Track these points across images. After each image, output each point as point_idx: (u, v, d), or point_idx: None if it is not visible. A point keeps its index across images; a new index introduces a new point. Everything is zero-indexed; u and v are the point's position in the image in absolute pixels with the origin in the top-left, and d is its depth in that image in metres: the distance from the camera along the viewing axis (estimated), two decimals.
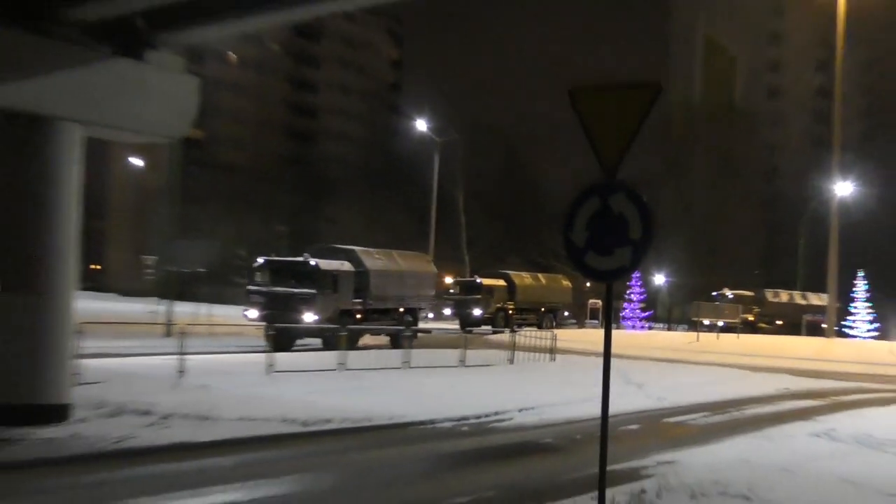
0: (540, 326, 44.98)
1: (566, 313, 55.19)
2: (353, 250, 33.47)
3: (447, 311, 52.10)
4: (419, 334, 32.96)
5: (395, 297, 34.55)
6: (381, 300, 33.46)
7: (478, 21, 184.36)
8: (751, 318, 56.47)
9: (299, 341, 29.57)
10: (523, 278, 52.64)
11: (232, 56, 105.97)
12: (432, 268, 38.97)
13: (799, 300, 61.37)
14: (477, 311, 48.37)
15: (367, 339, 31.68)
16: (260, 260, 33.24)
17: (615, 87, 8.34)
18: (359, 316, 31.60)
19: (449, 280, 56.42)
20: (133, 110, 13.91)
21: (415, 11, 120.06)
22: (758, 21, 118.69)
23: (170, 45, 14.13)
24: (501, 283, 50.45)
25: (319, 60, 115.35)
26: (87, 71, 13.25)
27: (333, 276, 30.57)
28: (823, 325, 58.33)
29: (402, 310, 34.77)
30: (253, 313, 30.64)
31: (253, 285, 32.01)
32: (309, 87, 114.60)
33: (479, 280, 50.50)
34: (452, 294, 51.34)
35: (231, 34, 15.08)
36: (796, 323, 57.43)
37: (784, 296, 60.70)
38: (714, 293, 61.39)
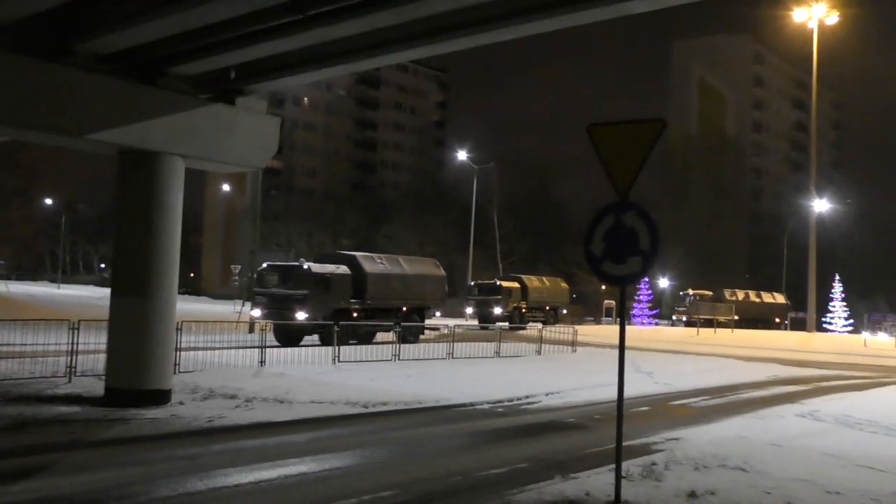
0: (545, 322, 43.41)
1: (564, 311, 52.89)
2: (353, 256, 31.90)
3: (469, 310, 50.76)
4: (427, 330, 32.06)
5: (397, 298, 32.13)
6: (382, 300, 31.25)
7: (511, 69, 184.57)
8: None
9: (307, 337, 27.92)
10: (532, 281, 51.41)
11: (305, 101, 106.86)
12: (440, 271, 36.05)
13: (754, 298, 59.42)
14: (498, 310, 46.94)
15: (384, 336, 29.47)
16: (263, 265, 31.46)
17: (625, 123, 8.31)
18: (355, 315, 29.59)
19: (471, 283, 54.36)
20: (225, 145, 14.05)
21: (458, 61, 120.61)
22: (744, 67, 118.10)
23: (255, 91, 14.26)
24: (516, 285, 49.40)
25: (378, 103, 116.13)
26: (187, 114, 13.42)
27: (326, 278, 28.87)
28: (783, 322, 57.41)
29: (405, 309, 32.20)
30: (257, 312, 29.30)
31: (258, 287, 30.60)
32: (369, 125, 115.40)
33: (498, 283, 49.46)
34: (474, 295, 49.94)
35: (304, 82, 15.21)
36: (750, 318, 55.58)
37: (740, 294, 58.62)
38: (681, 293, 60.12)
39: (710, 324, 49.87)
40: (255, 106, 14.42)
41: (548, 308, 50.75)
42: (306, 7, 10.15)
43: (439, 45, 11.44)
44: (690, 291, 58.50)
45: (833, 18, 49.20)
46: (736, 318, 53.23)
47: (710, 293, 57.19)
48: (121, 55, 12.29)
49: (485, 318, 46.81)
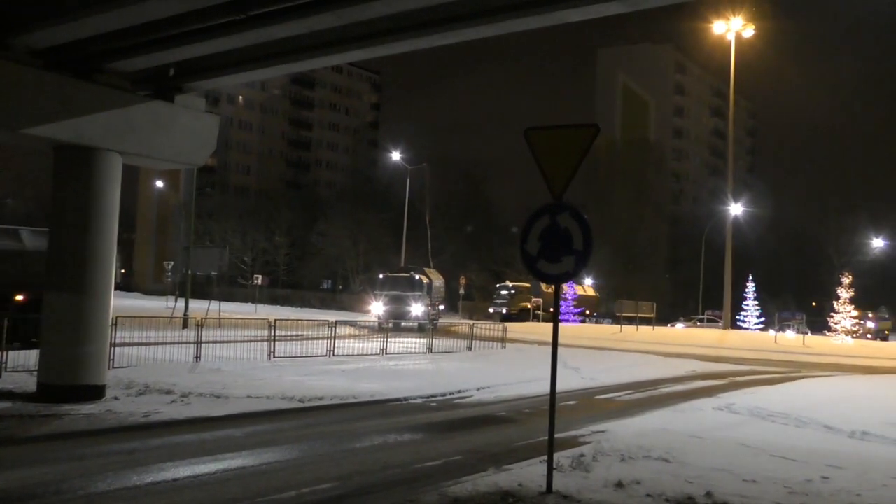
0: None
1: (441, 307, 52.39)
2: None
3: (378, 309, 43.75)
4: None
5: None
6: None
7: (442, 72, 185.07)
8: (529, 306, 54.21)
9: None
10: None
11: (241, 99, 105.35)
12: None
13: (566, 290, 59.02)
14: (416, 307, 40.85)
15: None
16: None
17: (562, 127, 8.40)
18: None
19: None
20: (164, 142, 13.79)
21: (391, 64, 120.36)
22: (665, 75, 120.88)
23: (195, 89, 14.04)
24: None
25: (313, 103, 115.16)
26: (125, 110, 13.13)
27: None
28: (592, 314, 58.09)
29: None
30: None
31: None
32: (304, 124, 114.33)
33: (416, 275, 44.16)
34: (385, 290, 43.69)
35: (244, 81, 15.02)
36: (566, 311, 55.95)
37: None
38: (497, 284, 60.30)
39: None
40: (195, 104, 14.20)
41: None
42: (248, 7, 10.02)
43: (379, 47, 11.43)
44: (508, 283, 58.36)
45: (749, 31, 50.73)
46: (552, 310, 52.69)
47: (528, 286, 56.03)
48: (58, 50, 11.95)
49: (398, 318, 38.84)
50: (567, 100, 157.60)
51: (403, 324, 38.26)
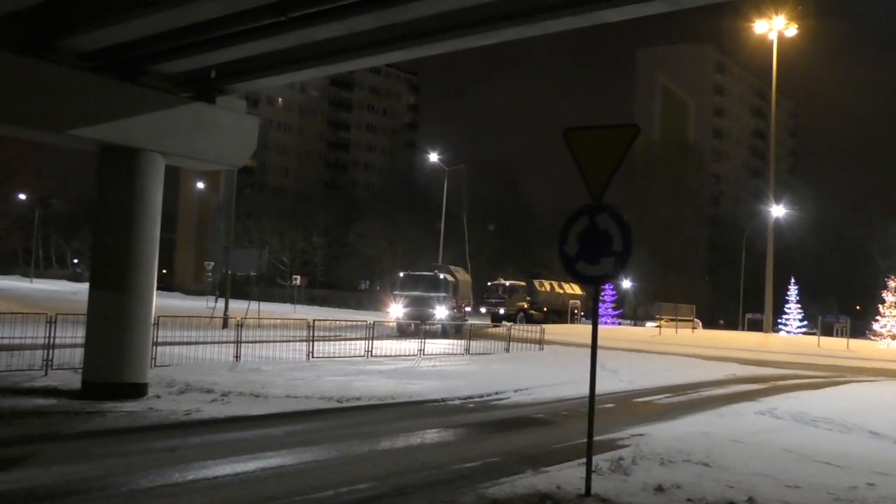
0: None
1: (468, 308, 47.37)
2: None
3: (398, 311, 39.81)
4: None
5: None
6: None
7: (480, 73, 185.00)
8: (525, 305, 49.91)
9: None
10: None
11: (280, 101, 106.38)
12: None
13: (558, 289, 55.01)
14: (440, 310, 37.17)
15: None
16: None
17: (601, 128, 8.34)
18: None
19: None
20: (205, 143, 13.94)
21: (429, 65, 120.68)
22: (705, 76, 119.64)
23: (236, 90, 14.19)
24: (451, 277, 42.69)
25: (351, 104, 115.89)
26: (168, 111, 13.30)
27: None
28: (580, 313, 55.39)
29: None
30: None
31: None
32: (342, 126, 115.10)
33: (441, 274, 40.14)
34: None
35: (284, 83, 15.15)
36: (555, 310, 52.31)
37: (547, 285, 54.57)
38: (489, 283, 53.09)
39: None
40: (236, 105, 14.34)
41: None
42: (289, 9, 10.09)
43: (418, 48, 11.45)
44: (502, 280, 52.84)
45: (792, 31, 49.95)
46: (545, 309, 50.22)
47: (524, 284, 53.13)
48: (103, 53, 12.15)
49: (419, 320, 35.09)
50: (605, 101, 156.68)
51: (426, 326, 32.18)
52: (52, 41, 11.65)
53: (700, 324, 59.89)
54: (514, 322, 39.73)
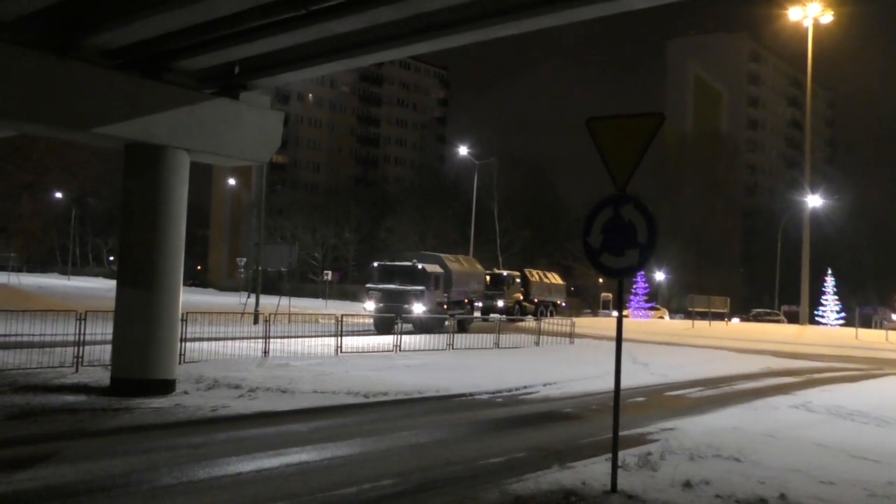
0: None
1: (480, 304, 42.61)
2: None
3: (369, 305, 35.69)
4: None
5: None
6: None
7: (509, 67, 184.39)
8: (520, 297, 46.95)
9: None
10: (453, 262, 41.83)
11: (310, 97, 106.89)
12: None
13: (544, 280, 51.84)
14: (419, 305, 32.13)
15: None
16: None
17: (625, 117, 8.17)
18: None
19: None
20: (229, 140, 13.95)
21: (458, 59, 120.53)
22: (739, 65, 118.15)
23: (259, 86, 14.18)
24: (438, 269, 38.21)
25: (381, 99, 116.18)
26: (192, 108, 13.32)
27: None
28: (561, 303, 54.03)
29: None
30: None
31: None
32: (372, 121, 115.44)
33: (419, 265, 35.52)
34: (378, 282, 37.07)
35: (306, 77, 15.09)
36: (544, 301, 49.22)
37: (537, 276, 51.59)
38: (486, 272, 46.78)
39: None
40: (259, 101, 14.33)
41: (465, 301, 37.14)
42: (309, 2, 10.04)
43: (439, 40, 11.33)
44: (503, 271, 50.09)
45: (828, 17, 49.04)
46: (536, 300, 48.64)
47: (518, 273, 49.88)
48: (126, 50, 12.20)
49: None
50: (636, 94, 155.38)
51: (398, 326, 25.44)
52: (75, 39, 11.70)
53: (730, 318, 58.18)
54: (509, 315, 38.02)
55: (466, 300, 36.40)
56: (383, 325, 28.40)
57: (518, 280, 47.33)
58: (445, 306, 33.14)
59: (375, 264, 34.93)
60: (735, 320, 57.83)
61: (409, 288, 31.96)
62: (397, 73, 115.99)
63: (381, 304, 31.51)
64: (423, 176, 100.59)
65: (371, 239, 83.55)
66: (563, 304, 51.54)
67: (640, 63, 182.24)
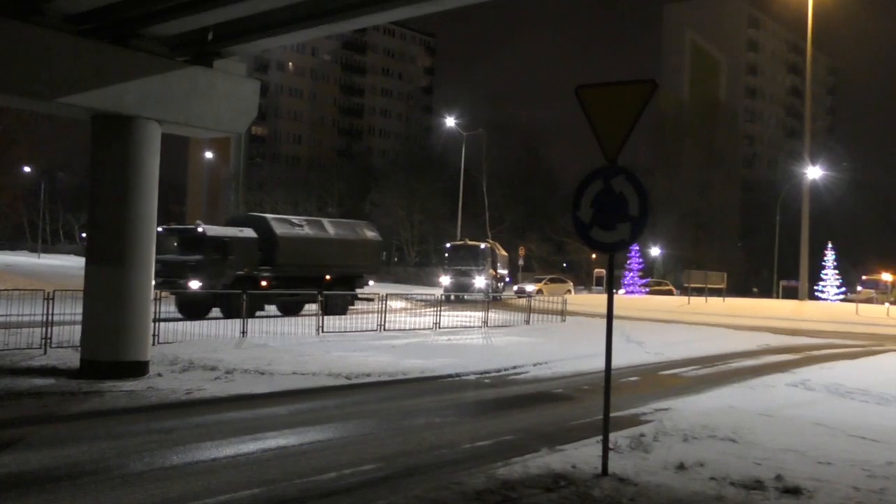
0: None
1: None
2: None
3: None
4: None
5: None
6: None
7: (499, 35, 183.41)
8: (494, 273, 45.54)
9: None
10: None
11: (290, 66, 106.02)
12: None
13: (501, 252, 53.07)
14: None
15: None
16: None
17: (616, 84, 8.07)
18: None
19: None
20: (203, 110, 13.79)
21: (445, 27, 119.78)
22: (737, 31, 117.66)
23: (234, 53, 14.01)
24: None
25: (365, 68, 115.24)
26: (163, 77, 13.13)
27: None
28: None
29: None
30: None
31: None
32: (356, 90, 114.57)
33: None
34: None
35: (285, 44, 14.88)
36: (503, 277, 48.49)
37: (501, 249, 49.13)
38: (449, 244, 48.11)
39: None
40: (234, 69, 14.15)
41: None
42: None
43: (425, 4, 11.17)
44: (479, 243, 47.57)
45: None
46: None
47: (489, 244, 51.44)
48: (92, 14, 11.99)
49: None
50: (631, 61, 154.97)
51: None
52: (37, 3, 11.48)
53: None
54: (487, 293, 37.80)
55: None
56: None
57: (490, 252, 45.42)
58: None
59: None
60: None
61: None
62: (381, 41, 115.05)
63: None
64: (409, 148, 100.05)
65: (355, 214, 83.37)
66: (508, 280, 51.48)
67: (636, 29, 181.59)
